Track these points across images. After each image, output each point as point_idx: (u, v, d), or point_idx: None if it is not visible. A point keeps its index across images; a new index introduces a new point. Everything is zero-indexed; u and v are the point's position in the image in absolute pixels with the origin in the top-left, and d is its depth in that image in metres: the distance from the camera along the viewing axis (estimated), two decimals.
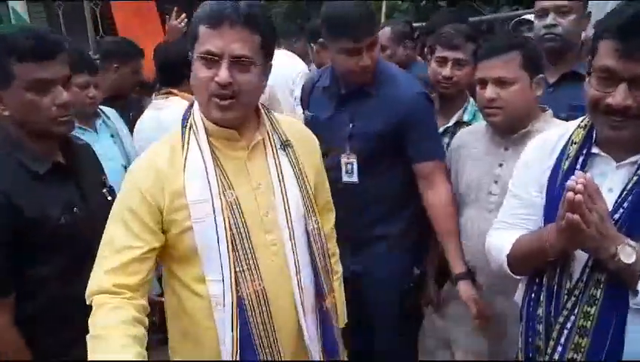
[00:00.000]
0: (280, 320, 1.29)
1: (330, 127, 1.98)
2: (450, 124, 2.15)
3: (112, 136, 2.48)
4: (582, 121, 1.32)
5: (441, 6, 6.16)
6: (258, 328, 1.25)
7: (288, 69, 3.56)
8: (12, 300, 1.41)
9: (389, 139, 1.92)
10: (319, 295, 1.36)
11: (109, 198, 1.62)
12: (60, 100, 1.42)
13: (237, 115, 1.26)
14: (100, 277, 1.23)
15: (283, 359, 1.29)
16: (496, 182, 1.74)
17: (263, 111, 1.38)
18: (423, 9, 6.48)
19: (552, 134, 1.40)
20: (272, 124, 1.38)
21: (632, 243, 1.14)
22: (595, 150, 1.26)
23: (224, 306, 1.24)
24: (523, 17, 3.00)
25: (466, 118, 2.15)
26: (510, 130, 1.74)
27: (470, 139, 1.89)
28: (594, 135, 1.27)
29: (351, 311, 1.63)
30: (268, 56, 1.28)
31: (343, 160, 1.98)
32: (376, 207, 1.97)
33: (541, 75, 1.74)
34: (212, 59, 1.20)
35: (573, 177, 1.13)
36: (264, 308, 1.26)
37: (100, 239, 1.28)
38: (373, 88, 1.93)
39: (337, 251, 1.60)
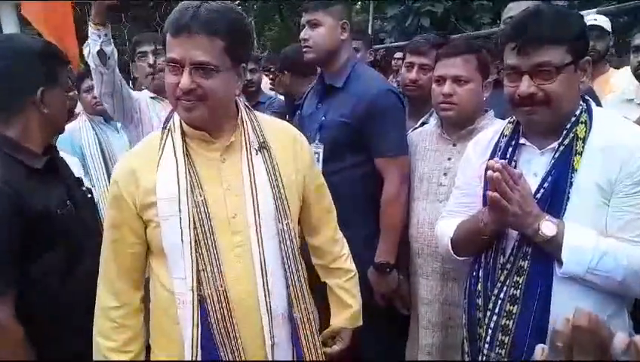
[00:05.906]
0: (243, 323, 1.29)
1: (309, 122, 2.17)
2: (417, 125, 2.26)
3: None
4: (511, 118, 1.46)
5: (424, 26, 6.39)
6: (219, 328, 1.27)
7: None
8: (14, 295, 1.38)
9: (352, 130, 2.01)
10: (289, 302, 1.34)
11: (89, 196, 1.71)
12: None
13: (203, 115, 1.27)
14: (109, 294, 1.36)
15: (245, 361, 1.28)
16: (445, 174, 1.86)
17: (243, 112, 1.38)
18: (407, 30, 6.69)
19: (488, 132, 1.55)
20: (252, 126, 1.38)
21: (554, 219, 1.26)
22: (521, 140, 1.40)
23: (186, 303, 1.26)
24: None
25: (431, 120, 2.25)
26: (459, 126, 1.86)
27: (420, 138, 2.02)
28: (520, 128, 1.41)
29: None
30: (237, 59, 1.27)
31: (312, 149, 2.04)
32: (338, 204, 1.87)
33: (489, 80, 1.88)
34: (176, 66, 1.24)
35: (494, 159, 1.26)
36: (225, 310, 1.27)
37: (89, 234, 1.37)
38: (344, 84, 2.08)
39: (346, 251, 1.58)
